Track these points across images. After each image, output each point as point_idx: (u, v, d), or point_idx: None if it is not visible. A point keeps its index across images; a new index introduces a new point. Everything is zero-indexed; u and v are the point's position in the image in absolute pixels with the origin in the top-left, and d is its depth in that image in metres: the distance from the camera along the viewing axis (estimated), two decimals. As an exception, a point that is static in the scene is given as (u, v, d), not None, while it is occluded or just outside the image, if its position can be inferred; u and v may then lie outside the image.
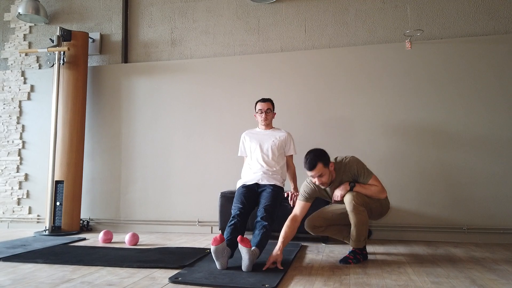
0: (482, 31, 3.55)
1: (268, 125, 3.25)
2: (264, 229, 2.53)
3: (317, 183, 2.59)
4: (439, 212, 3.42)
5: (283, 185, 3.08)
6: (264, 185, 2.94)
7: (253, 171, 3.06)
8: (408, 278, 2.15)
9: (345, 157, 2.67)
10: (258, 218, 2.63)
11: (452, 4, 3.64)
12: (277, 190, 2.91)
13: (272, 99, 3.31)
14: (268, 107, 3.21)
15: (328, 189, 2.69)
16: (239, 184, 3.06)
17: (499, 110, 3.39)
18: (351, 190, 2.56)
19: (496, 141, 3.37)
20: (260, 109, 3.20)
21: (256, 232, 2.53)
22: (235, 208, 2.74)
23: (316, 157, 2.54)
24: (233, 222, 2.60)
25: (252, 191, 2.92)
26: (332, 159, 2.66)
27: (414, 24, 3.70)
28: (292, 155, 3.27)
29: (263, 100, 3.25)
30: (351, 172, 2.61)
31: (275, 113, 3.31)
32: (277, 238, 3.27)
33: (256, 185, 2.97)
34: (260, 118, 3.22)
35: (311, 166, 2.53)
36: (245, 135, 3.31)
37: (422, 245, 3.20)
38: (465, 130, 3.44)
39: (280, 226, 3.21)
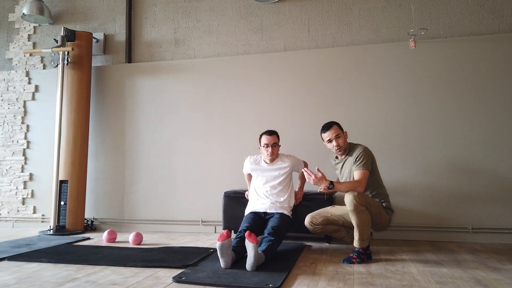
0: (487, 30, 3.53)
1: (274, 158, 3.14)
2: (271, 242, 2.53)
3: (334, 145, 2.82)
4: (443, 212, 3.40)
5: (291, 213, 3.05)
6: (272, 213, 2.94)
7: (261, 202, 3.03)
8: (413, 278, 2.14)
9: (360, 144, 2.86)
10: (265, 235, 2.64)
11: (457, 3, 3.62)
12: (285, 217, 2.90)
13: (274, 98, 3.28)
14: (274, 141, 3.09)
15: (339, 165, 2.90)
16: (247, 211, 3.06)
17: (504, 109, 3.36)
18: (330, 184, 2.59)
19: (502, 141, 3.35)
20: (266, 143, 3.07)
21: (263, 244, 2.54)
22: (242, 225, 2.76)
23: (332, 121, 2.86)
24: (240, 235, 2.60)
25: (259, 217, 2.92)
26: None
27: (418, 23, 3.68)
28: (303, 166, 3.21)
29: (269, 134, 3.10)
30: (354, 155, 2.75)
31: (280, 145, 3.18)
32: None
33: (264, 213, 2.97)
34: (266, 152, 3.09)
35: (328, 125, 2.84)
36: (250, 165, 3.19)
37: (427, 245, 3.18)
38: (469, 129, 3.42)
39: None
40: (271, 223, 2.78)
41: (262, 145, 3.10)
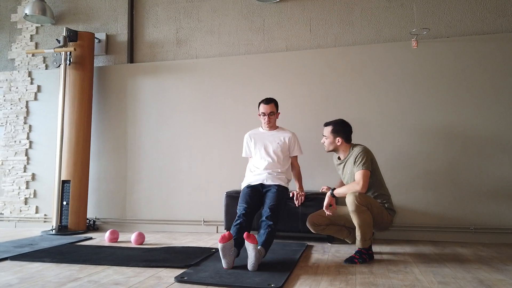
0: (490, 29, 3.52)
1: (272, 126, 3.20)
2: (269, 229, 2.53)
3: (322, 141, 2.97)
4: (446, 212, 3.40)
5: (288, 185, 3.07)
6: (269, 185, 2.93)
7: (258, 172, 3.04)
8: (415, 278, 2.14)
9: (360, 144, 2.88)
10: (263, 218, 2.63)
11: (459, 2, 3.61)
12: (282, 190, 2.91)
13: (276, 99, 3.29)
14: (271, 109, 3.13)
15: (341, 166, 2.92)
16: (243, 184, 3.05)
17: (507, 109, 3.35)
18: (332, 193, 2.75)
19: (504, 141, 3.34)
20: (263, 112, 3.13)
21: (262, 231, 2.53)
22: (240, 208, 2.74)
23: (332, 122, 2.91)
24: (238, 221, 2.60)
25: (257, 191, 2.92)
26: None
27: (420, 22, 3.67)
28: (297, 156, 3.26)
29: (266, 102, 3.13)
30: (354, 156, 2.77)
31: (279, 113, 3.25)
32: (282, 238, 3.27)
33: (261, 185, 2.96)
34: (263, 121, 3.17)
35: (324, 124, 2.97)
36: (249, 136, 3.27)
37: (429, 245, 3.18)
38: (472, 129, 3.41)
39: (285, 226, 3.23)
40: (268, 200, 2.77)
41: (260, 113, 3.16)
